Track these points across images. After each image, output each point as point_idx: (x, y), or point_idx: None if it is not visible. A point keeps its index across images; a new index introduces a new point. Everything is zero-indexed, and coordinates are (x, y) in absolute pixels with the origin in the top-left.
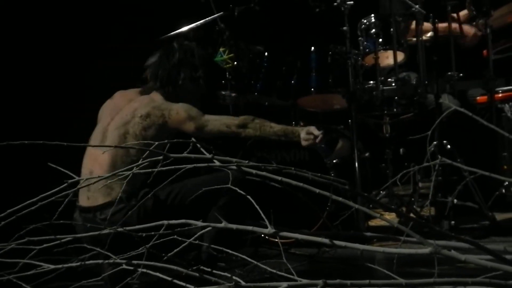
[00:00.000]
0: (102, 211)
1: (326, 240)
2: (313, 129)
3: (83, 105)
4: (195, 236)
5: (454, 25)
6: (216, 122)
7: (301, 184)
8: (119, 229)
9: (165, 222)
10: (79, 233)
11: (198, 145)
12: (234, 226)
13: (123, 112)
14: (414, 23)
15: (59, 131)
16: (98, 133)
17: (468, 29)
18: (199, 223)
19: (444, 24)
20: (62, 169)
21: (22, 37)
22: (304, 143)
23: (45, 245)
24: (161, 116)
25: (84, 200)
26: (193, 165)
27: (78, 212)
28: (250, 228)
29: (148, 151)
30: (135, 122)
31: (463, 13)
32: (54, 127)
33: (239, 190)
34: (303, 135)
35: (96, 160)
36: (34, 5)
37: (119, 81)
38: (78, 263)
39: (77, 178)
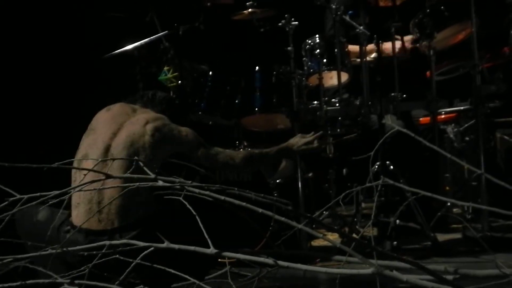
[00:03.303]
0: (121, 233)
1: (269, 260)
2: (300, 136)
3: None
4: (140, 256)
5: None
6: (222, 154)
7: (244, 203)
8: (63, 250)
9: (107, 242)
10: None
11: (141, 164)
12: (176, 246)
13: (129, 128)
14: (349, 46)
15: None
16: (98, 148)
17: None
18: (141, 243)
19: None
20: (3, 187)
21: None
22: (303, 148)
23: None
24: (170, 133)
25: (93, 223)
26: (136, 185)
27: (83, 235)
28: (192, 248)
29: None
30: (145, 140)
31: (408, 37)
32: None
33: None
34: (299, 144)
35: (104, 185)
36: None
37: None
38: (18, 283)
39: (18, 196)
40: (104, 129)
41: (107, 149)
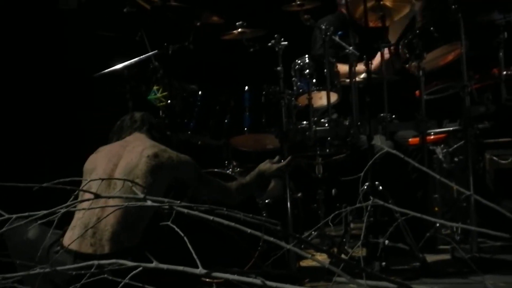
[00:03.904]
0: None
1: (258, 280)
2: (269, 161)
3: None
4: (128, 276)
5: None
6: (221, 184)
7: (232, 224)
8: (49, 270)
9: (95, 262)
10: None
11: (130, 184)
12: (165, 266)
13: (128, 157)
14: (339, 66)
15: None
16: (100, 181)
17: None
18: (130, 263)
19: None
20: None
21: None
22: (275, 173)
23: None
24: (168, 158)
25: (84, 246)
26: (125, 205)
27: (72, 257)
28: (181, 268)
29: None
30: (142, 163)
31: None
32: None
33: (177, 229)
34: (272, 170)
35: (104, 209)
36: None
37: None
38: None
39: (6, 215)
40: (104, 162)
41: (109, 181)
